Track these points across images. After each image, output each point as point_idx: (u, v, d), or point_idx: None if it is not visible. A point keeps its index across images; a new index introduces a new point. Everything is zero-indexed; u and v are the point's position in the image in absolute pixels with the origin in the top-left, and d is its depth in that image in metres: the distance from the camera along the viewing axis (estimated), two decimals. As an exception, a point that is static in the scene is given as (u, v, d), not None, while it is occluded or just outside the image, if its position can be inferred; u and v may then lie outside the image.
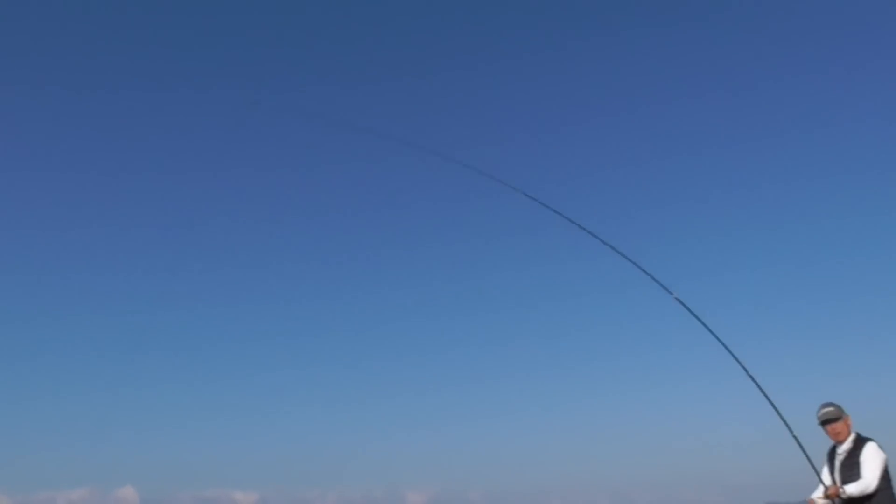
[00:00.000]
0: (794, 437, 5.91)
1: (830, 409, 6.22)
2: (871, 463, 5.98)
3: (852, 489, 5.92)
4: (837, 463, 6.21)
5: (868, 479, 5.93)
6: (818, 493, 6.24)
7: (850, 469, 6.06)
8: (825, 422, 6.24)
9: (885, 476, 6.04)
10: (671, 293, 6.53)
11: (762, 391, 5.99)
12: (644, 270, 6.75)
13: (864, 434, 6.22)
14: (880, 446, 6.10)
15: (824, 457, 6.43)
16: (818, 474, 6.10)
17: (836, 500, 6.07)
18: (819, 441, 6.45)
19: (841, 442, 6.22)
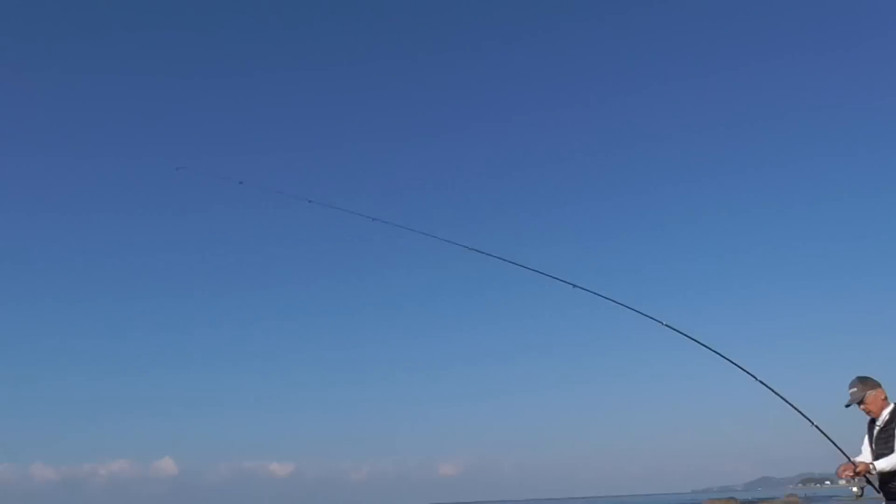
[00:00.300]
0: (816, 427, 5.90)
1: (853, 390, 6.15)
2: None
3: (883, 464, 5.86)
4: (874, 435, 6.13)
5: None
6: (861, 456, 6.15)
7: (885, 442, 5.96)
8: (851, 404, 6.19)
9: None
10: (660, 321, 6.69)
11: (776, 393, 5.99)
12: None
13: None
14: None
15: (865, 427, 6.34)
16: (846, 455, 6.00)
17: (866, 476, 6.00)
18: (846, 420, 6.45)
19: (876, 416, 6.11)
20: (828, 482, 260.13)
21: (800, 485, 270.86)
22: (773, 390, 6.07)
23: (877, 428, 6.11)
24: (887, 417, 6.05)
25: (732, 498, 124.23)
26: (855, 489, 6.09)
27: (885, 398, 6.09)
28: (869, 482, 6.12)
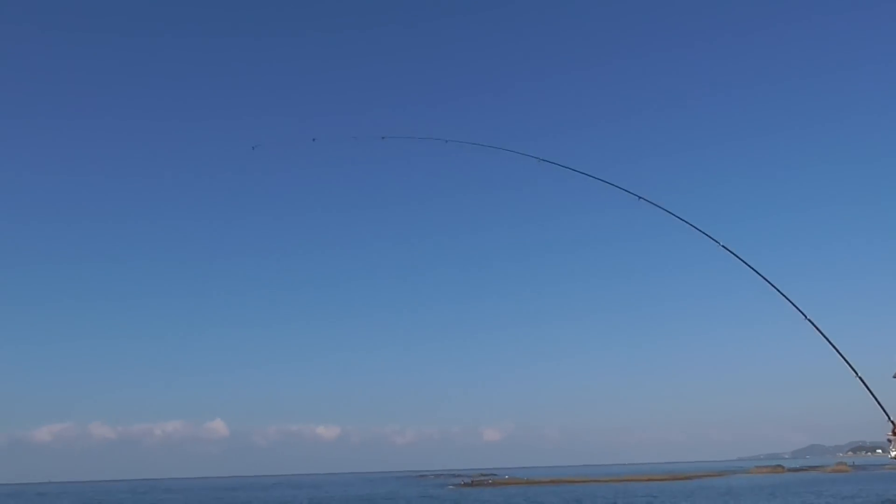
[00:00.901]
0: (860, 377, 5.66)
1: None
2: None
3: None
4: None
5: None
6: None
7: None
8: None
9: None
10: (717, 241, 6.63)
11: (821, 333, 5.75)
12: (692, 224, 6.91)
13: None
14: None
15: None
16: (886, 413, 5.75)
17: None
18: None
19: None
20: (879, 450, 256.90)
21: (850, 453, 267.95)
22: (818, 329, 5.78)
23: None
24: None
25: (779, 465, 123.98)
26: (893, 453, 5.71)
27: None
28: None
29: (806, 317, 5.86)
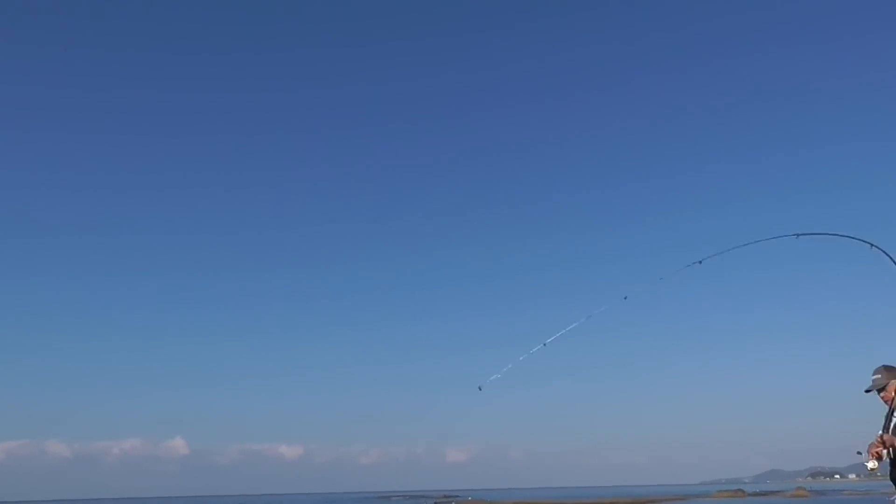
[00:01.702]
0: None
1: (876, 377, 6.10)
2: None
3: None
4: (891, 425, 5.99)
5: None
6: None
7: None
8: (871, 390, 6.11)
9: None
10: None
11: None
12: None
13: None
14: None
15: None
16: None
17: (885, 454, 5.84)
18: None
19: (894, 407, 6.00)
20: (837, 476, 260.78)
21: (809, 478, 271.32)
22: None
23: (895, 418, 5.99)
24: None
25: (740, 489, 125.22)
26: (870, 464, 5.91)
27: None
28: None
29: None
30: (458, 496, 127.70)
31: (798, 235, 7.93)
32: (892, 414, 6.04)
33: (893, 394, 6.00)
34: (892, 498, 5.99)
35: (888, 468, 5.95)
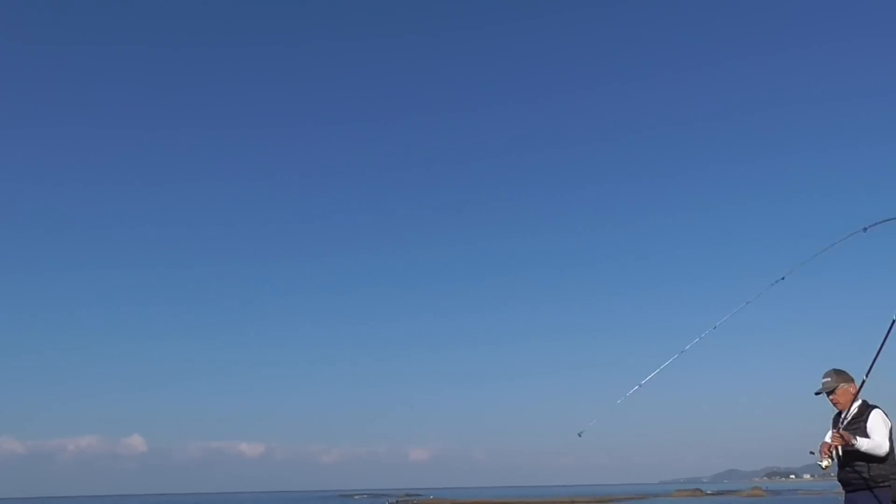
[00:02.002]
0: None
1: (826, 380, 6.21)
2: (881, 429, 5.91)
3: (864, 443, 5.81)
4: (840, 428, 6.13)
5: (879, 440, 5.84)
6: (828, 437, 6.12)
7: (854, 434, 5.95)
8: (822, 393, 6.24)
9: (891, 445, 5.93)
10: None
11: None
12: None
13: (871, 402, 6.09)
14: (886, 414, 6.01)
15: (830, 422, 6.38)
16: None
17: (834, 453, 5.96)
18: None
19: (843, 409, 6.16)
20: (792, 476, 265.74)
21: (765, 478, 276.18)
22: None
23: (843, 421, 6.12)
24: (855, 412, 6.08)
25: (699, 489, 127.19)
26: (824, 462, 6.01)
27: (855, 393, 6.10)
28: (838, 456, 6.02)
29: None
30: (419, 495, 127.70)
31: (866, 229, 6.89)
32: (839, 417, 6.20)
33: (843, 398, 6.13)
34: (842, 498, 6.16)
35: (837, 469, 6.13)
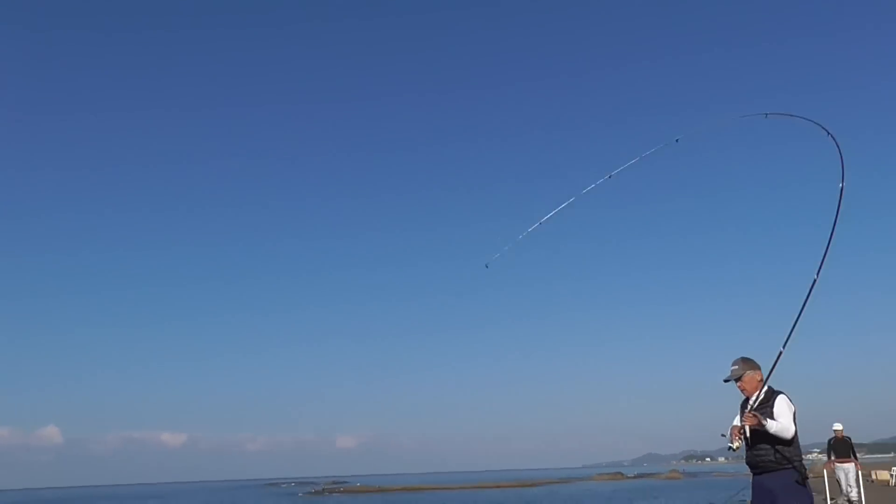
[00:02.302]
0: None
1: (734, 368, 6.41)
2: (787, 413, 6.13)
3: (773, 425, 6.00)
4: (745, 413, 6.31)
5: (786, 423, 6.05)
6: (737, 420, 6.35)
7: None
8: (730, 380, 6.44)
9: (795, 428, 6.16)
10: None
11: None
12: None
13: (776, 388, 6.30)
14: (790, 399, 6.24)
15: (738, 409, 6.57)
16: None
17: (743, 438, 6.20)
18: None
19: (750, 395, 6.37)
20: (708, 458, 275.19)
21: (682, 461, 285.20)
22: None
23: (751, 407, 6.29)
24: (762, 397, 6.28)
25: (619, 472, 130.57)
26: (735, 444, 6.23)
27: (761, 380, 6.31)
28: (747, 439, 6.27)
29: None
30: (347, 482, 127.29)
31: (767, 115, 7.91)
32: (746, 402, 6.41)
33: (749, 385, 6.34)
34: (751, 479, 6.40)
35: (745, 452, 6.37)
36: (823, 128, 7.17)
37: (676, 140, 8.73)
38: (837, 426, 17.85)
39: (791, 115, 7.77)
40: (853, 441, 18.25)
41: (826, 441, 18.21)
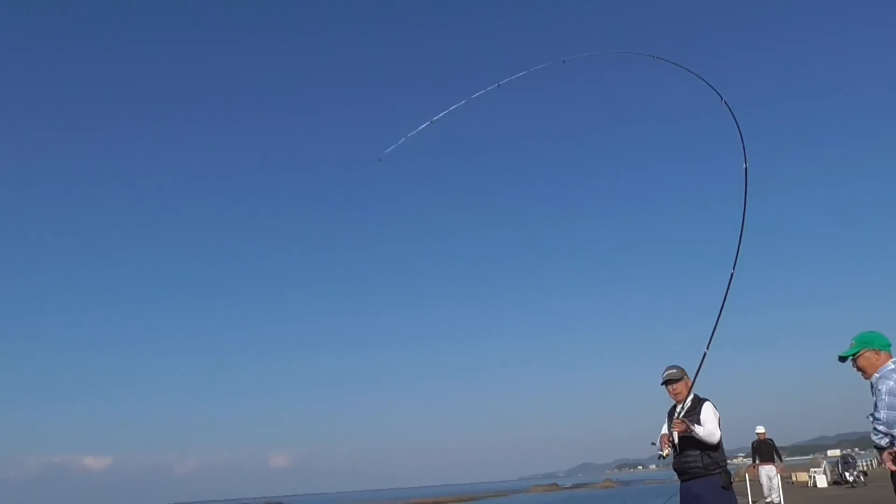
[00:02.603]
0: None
1: (674, 370, 6.61)
2: (713, 418, 6.38)
3: (701, 431, 6.21)
4: (675, 419, 6.50)
5: (712, 428, 6.28)
6: (665, 428, 6.52)
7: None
8: (667, 382, 6.61)
9: (720, 434, 6.38)
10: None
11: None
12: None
13: (701, 395, 6.55)
14: (715, 406, 6.48)
15: (665, 417, 6.76)
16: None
17: (671, 445, 6.37)
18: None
19: (680, 402, 6.56)
20: (640, 466, 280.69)
21: (616, 470, 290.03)
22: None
23: (679, 415, 6.51)
24: (688, 405, 6.52)
25: (555, 483, 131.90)
26: (665, 451, 6.43)
27: (690, 387, 6.56)
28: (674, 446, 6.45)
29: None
30: (281, 502, 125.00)
31: (565, 61, 8.28)
32: (674, 410, 6.63)
33: (685, 391, 6.54)
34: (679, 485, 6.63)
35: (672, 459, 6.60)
36: (712, 87, 7.33)
37: (563, 61, 8.99)
38: (760, 429, 18.54)
39: (680, 66, 7.92)
40: (776, 444, 18.97)
41: (750, 444, 18.90)
